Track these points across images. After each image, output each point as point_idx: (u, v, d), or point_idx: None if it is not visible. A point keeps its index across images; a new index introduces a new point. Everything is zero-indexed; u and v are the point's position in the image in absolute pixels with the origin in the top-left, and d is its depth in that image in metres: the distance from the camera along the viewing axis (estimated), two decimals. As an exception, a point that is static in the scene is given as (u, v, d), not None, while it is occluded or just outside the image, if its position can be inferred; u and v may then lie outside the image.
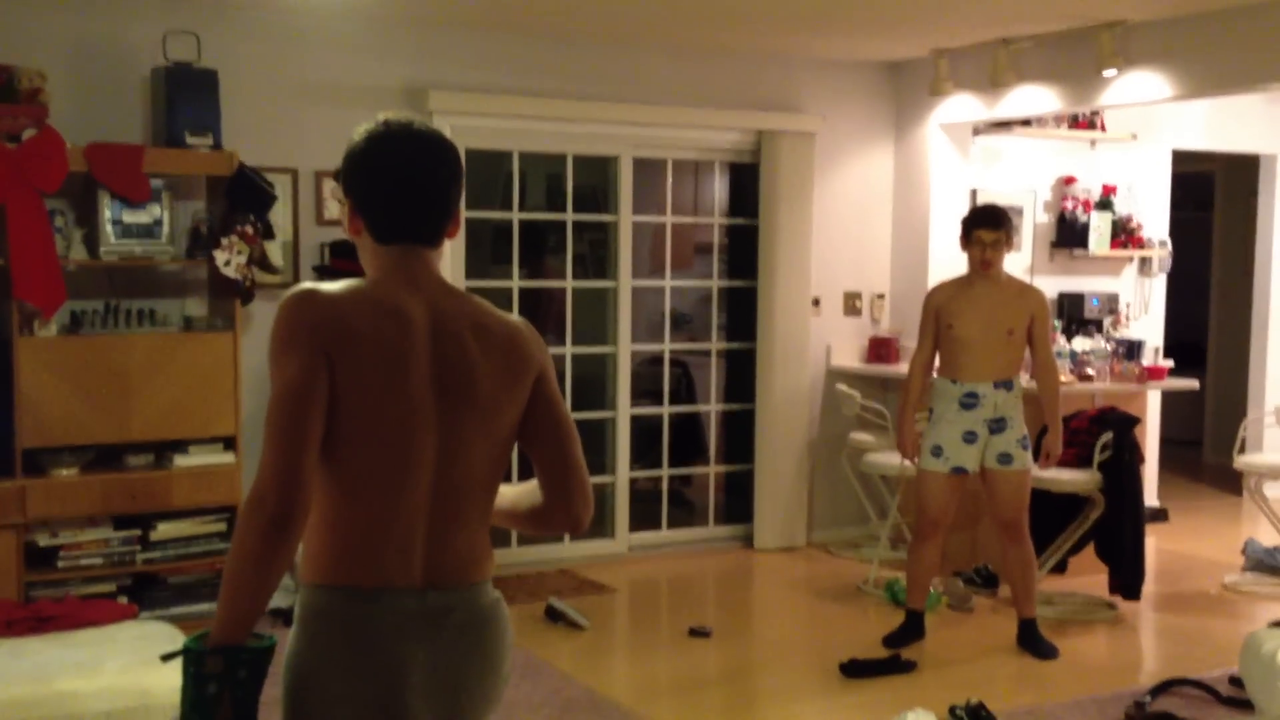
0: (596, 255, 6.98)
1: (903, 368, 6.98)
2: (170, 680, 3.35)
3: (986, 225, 5.11)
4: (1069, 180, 7.71)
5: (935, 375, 5.33)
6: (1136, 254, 7.87)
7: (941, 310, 5.21)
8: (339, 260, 5.50)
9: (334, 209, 5.71)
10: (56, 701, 3.42)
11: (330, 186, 5.68)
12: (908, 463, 5.44)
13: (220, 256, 5.17)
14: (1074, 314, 7.54)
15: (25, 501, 4.89)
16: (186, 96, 5.21)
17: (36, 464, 4.99)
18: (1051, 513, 5.85)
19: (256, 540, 1.95)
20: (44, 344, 4.96)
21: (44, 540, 4.96)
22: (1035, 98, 6.49)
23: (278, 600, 5.42)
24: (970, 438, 5.13)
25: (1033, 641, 5.25)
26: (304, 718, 2.07)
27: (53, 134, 4.93)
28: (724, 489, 7.26)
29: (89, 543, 5.03)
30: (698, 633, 5.46)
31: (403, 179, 2.15)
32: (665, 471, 6.99)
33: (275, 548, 1.96)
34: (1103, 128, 7.68)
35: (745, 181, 7.07)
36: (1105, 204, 7.72)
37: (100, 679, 3.53)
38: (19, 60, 5.03)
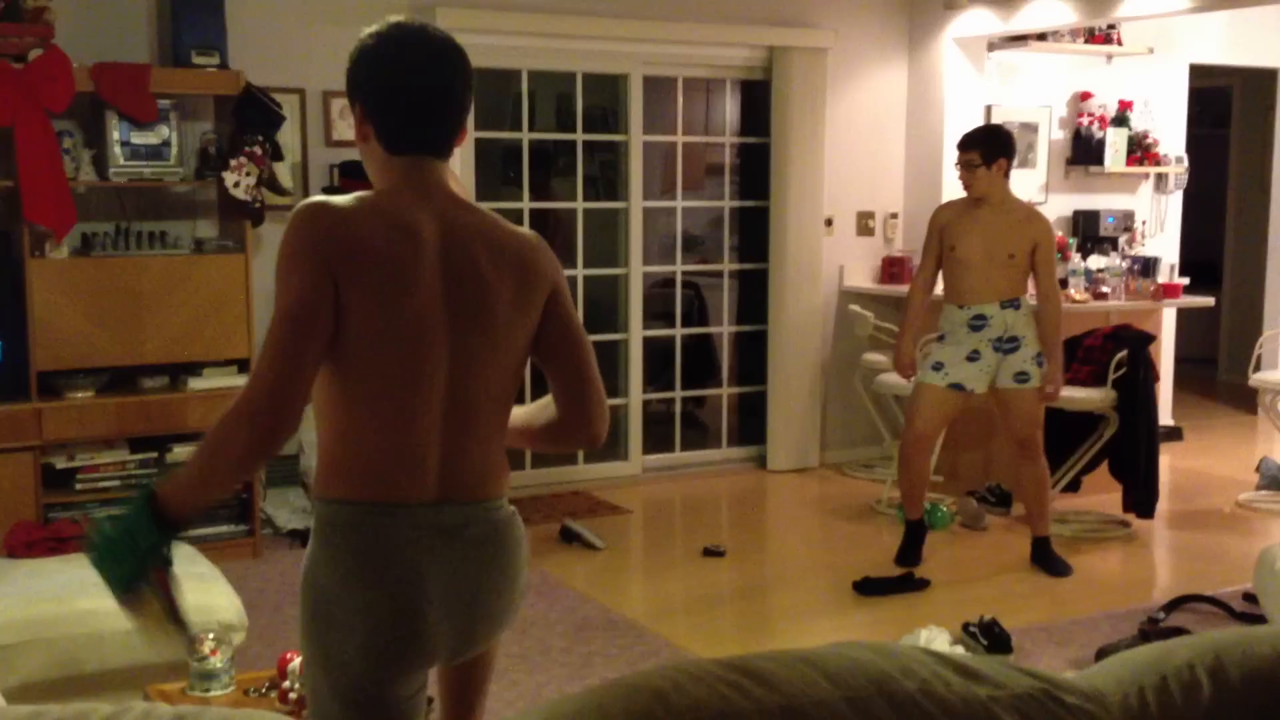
0: (607, 176, 6.92)
1: (915, 287, 6.98)
2: (192, 598, 3.34)
3: (961, 146, 5.11)
4: (1085, 96, 7.61)
5: (943, 300, 5.29)
6: (1152, 170, 7.79)
7: (945, 231, 5.17)
8: (348, 180, 5.46)
9: (342, 129, 5.65)
10: (76, 620, 3.44)
11: (340, 106, 5.62)
12: (911, 380, 5.42)
13: (229, 178, 5.12)
14: (1089, 231, 7.48)
15: (41, 424, 4.89)
16: (192, 15, 5.14)
17: (51, 387, 4.99)
18: (1065, 431, 5.84)
19: (240, 449, 1.97)
20: (56, 266, 4.95)
21: (61, 462, 4.97)
22: (1051, 11, 6.38)
23: (294, 522, 5.47)
24: (974, 356, 5.11)
25: (1046, 559, 5.27)
26: (322, 629, 2.09)
27: (59, 53, 4.86)
28: (737, 410, 7.26)
29: (106, 464, 5.04)
30: (712, 552, 5.49)
31: (418, 86, 2.10)
32: (678, 393, 6.99)
33: (257, 459, 2.01)
34: (1119, 41, 7.55)
35: (757, 99, 6.98)
36: (1121, 120, 7.63)
37: None
38: (23, -21, 4.92)
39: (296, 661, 2.14)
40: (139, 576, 2.03)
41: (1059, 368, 5.16)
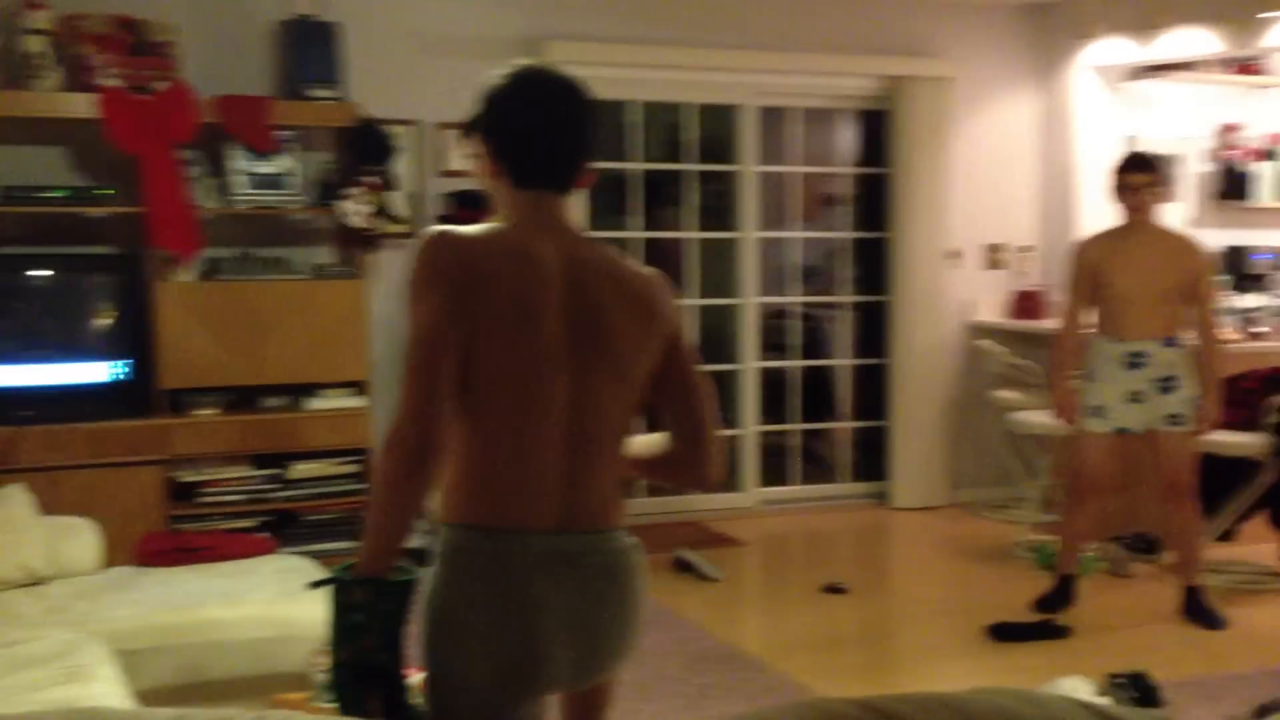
0: (720, 206, 6.86)
1: (1050, 323, 6.72)
2: (311, 612, 3.43)
3: (1136, 169, 4.88)
4: (1231, 128, 7.32)
5: (1095, 334, 5.06)
6: (1307, 205, 7.44)
7: (1098, 267, 4.96)
8: (462, 210, 5.51)
9: (454, 160, 5.71)
10: (203, 629, 3.56)
11: (451, 136, 5.68)
12: (1061, 423, 5.19)
13: (346, 207, 5.25)
14: (1238, 268, 7.15)
15: (169, 439, 5.07)
16: (310, 49, 5.29)
17: (178, 404, 5.17)
18: (1218, 476, 5.49)
19: (398, 473, 2.02)
20: (183, 289, 5.13)
21: (187, 476, 5.13)
22: (1193, 39, 6.15)
23: (411, 541, 5.47)
24: (1136, 398, 4.88)
25: (1199, 610, 4.95)
26: (444, 651, 2.11)
27: (183, 86, 5.06)
28: (856, 445, 7.09)
29: (229, 480, 5.18)
30: (833, 589, 5.31)
31: (546, 126, 2.18)
32: (795, 426, 6.86)
33: (415, 479, 2.03)
34: (1269, 72, 7.27)
35: (875, 129, 6.88)
36: (1271, 153, 7.33)
37: (245, 609, 3.64)
38: (150, 14, 5.15)
39: (417, 677, 2.12)
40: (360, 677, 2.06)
41: (1215, 404, 4.90)
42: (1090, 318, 5.06)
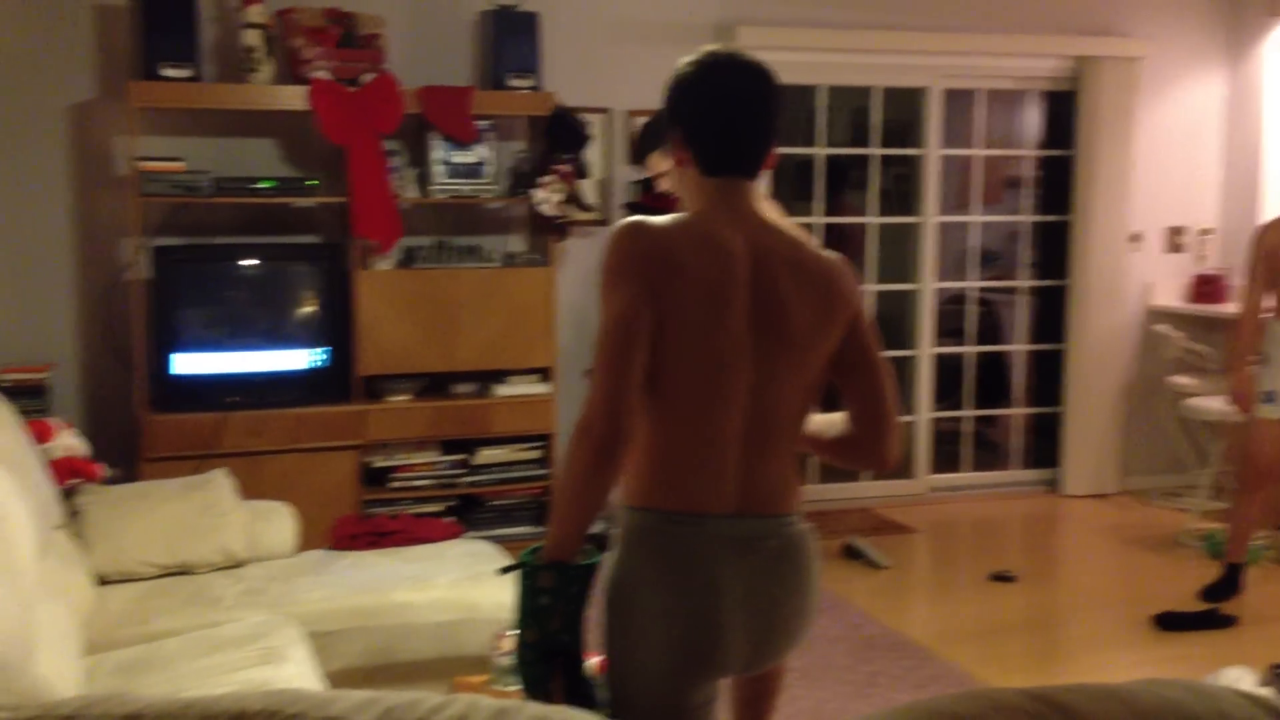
0: (901, 190, 6.85)
1: (1230, 308, 6.58)
2: (495, 596, 3.55)
3: None
4: None
5: (1271, 317, 4.99)
6: None
7: (1276, 251, 4.88)
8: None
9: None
10: (392, 611, 3.61)
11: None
12: (1237, 409, 5.13)
13: (538, 195, 5.31)
14: None
15: (364, 425, 5.18)
16: (509, 39, 5.35)
17: (374, 390, 5.27)
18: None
19: (585, 463, 2.04)
20: (381, 277, 5.21)
21: (379, 461, 5.24)
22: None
23: (596, 525, 5.67)
24: None
25: None
26: (625, 630, 2.16)
27: (389, 78, 5.14)
28: (1029, 431, 7.04)
29: (419, 465, 5.27)
30: (1001, 577, 5.36)
31: (735, 111, 2.19)
32: (968, 412, 6.85)
33: (602, 470, 2.05)
34: None
35: (1060, 110, 6.76)
36: None
37: (432, 592, 3.68)
38: (359, 7, 5.27)
39: (596, 660, 2.23)
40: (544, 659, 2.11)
41: None
42: (1270, 302, 4.97)
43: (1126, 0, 6.61)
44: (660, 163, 4.72)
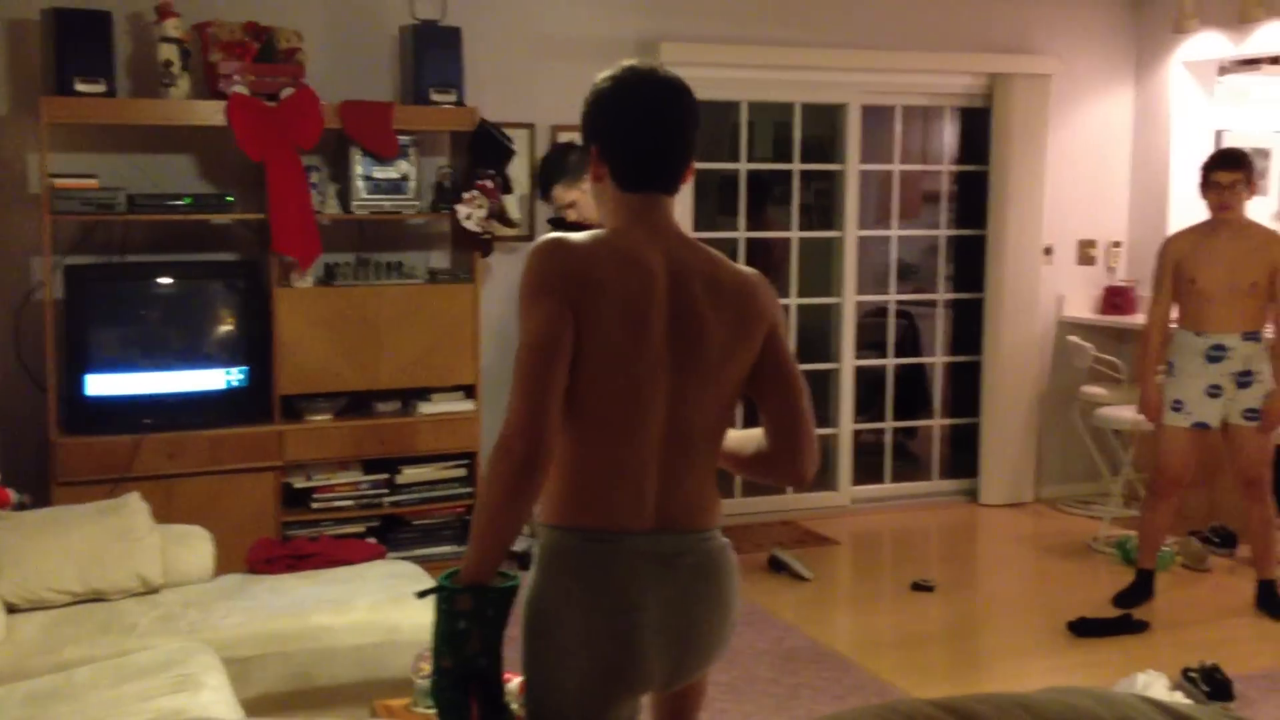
0: (822, 205, 6.93)
1: (1139, 318, 6.74)
2: (416, 617, 3.53)
3: (1224, 166, 4.94)
4: (1326, 121, 7.25)
5: (1177, 327, 5.14)
6: (1398, 200, 7.36)
7: (1182, 263, 5.02)
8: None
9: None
10: (312, 635, 3.58)
11: (567, 140, 5.78)
12: (1143, 418, 5.26)
13: (462, 211, 5.30)
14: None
15: (283, 445, 5.10)
16: (432, 54, 5.32)
17: (294, 409, 5.20)
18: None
19: (503, 484, 2.03)
20: (301, 295, 5.15)
21: (299, 482, 5.17)
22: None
23: (520, 544, 5.66)
24: (1214, 391, 4.95)
25: (1273, 603, 5.07)
26: (543, 652, 2.15)
27: (309, 92, 5.09)
28: (949, 442, 7.17)
29: (341, 485, 5.21)
30: (921, 587, 5.45)
31: (652, 126, 2.19)
32: (889, 424, 6.94)
33: (521, 491, 2.04)
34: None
35: (975, 127, 6.89)
36: (1365, 146, 7.24)
37: (352, 615, 3.66)
38: (278, 21, 5.21)
39: (516, 682, 2.23)
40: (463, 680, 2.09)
41: None
42: (1178, 313, 5.12)
43: (1037, 19, 6.75)
44: (565, 194, 4.75)
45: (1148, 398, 5.15)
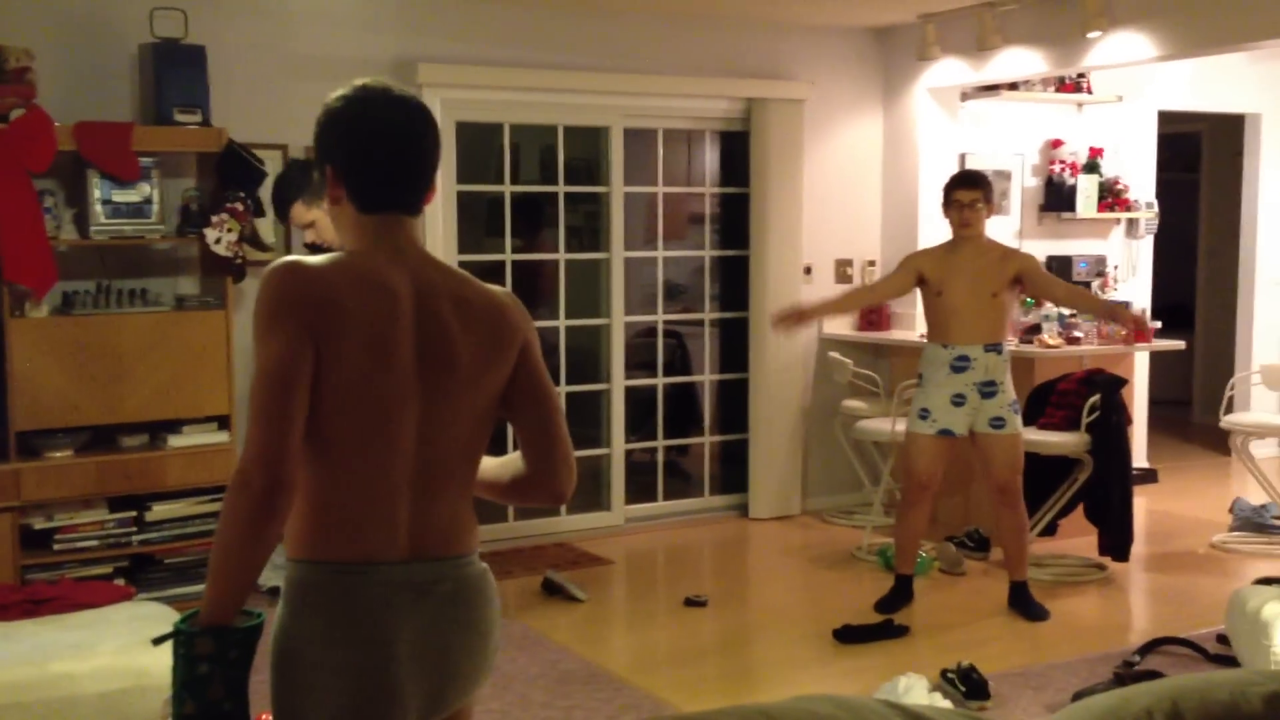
0: (590, 227, 6.96)
1: (894, 334, 7.06)
2: (165, 660, 3.31)
3: (964, 186, 5.22)
4: (1056, 143, 7.73)
5: (925, 340, 5.37)
6: (1124, 216, 7.90)
7: (927, 277, 5.26)
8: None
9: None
10: (51, 684, 3.44)
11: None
12: (774, 327, 5.47)
13: (211, 234, 5.15)
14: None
15: (20, 484, 4.88)
16: (174, 73, 5.18)
17: (30, 446, 4.98)
18: (1041, 475, 5.88)
19: (242, 519, 1.94)
20: (36, 325, 4.95)
21: (39, 523, 4.95)
22: (1021, 60, 6.48)
23: (274, 579, 5.44)
24: (958, 400, 5.17)
25: (1024, 604, 5.31)
26: (292, 691, 2.06)
27: (40, 113, 4.90)
28: (719, 459, 7.29)
29: (85, 524, 5.02)
30: (694, 602, 5.50)
31: (389, 146, 2.11)
32: (661, 443, 7.01)
33: (261, 526, 1.94)
34: (1089, 90, 7.69)
35: (736, 150, 7.06)
36: (1092, 166, 7.75)
37: (95, 660, 3.55)
38: (6, 39, 4.99)
39: None
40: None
41: (1129, 313, 5.58)
42: (909, 316, 5.40)
43: (790, 46, 6.98)
44: (305, 213, 4.59)
45: (797, 307, 5.49)
